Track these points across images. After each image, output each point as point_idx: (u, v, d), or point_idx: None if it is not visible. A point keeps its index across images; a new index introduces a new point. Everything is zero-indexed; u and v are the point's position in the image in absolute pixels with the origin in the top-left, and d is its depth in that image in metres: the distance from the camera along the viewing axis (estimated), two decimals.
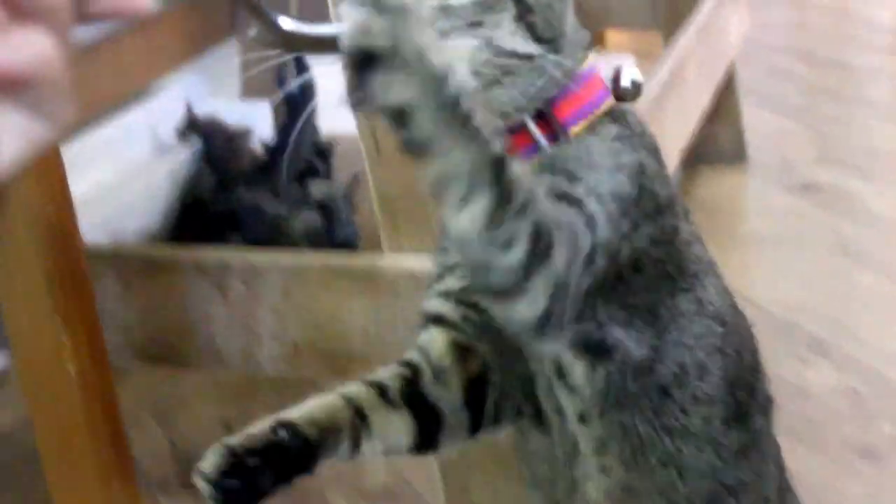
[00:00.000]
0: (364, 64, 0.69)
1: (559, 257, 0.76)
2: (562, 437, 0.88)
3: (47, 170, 1.12)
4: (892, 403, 1.56)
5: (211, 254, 1.25)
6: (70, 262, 1.15)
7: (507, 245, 0.74)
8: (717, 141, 2.30)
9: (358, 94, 0.70)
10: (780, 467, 0.97)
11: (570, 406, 0.87)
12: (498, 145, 0.73)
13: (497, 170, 0.72)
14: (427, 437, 0.88)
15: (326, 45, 0.78)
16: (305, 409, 0.83)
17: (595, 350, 0.84)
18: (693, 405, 0.88)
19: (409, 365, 0.89)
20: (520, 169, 0.75)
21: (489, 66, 0.82)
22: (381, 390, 0.87)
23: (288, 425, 0.81)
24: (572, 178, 0.82)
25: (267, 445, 0.80)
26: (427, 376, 0.88)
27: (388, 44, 0.68)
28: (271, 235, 1.80)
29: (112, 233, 1.84)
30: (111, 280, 1.24)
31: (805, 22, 3.34)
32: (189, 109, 2.16)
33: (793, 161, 2.35)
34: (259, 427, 0.81)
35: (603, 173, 0.83)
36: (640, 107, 1.43)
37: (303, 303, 1.20)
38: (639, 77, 0.87)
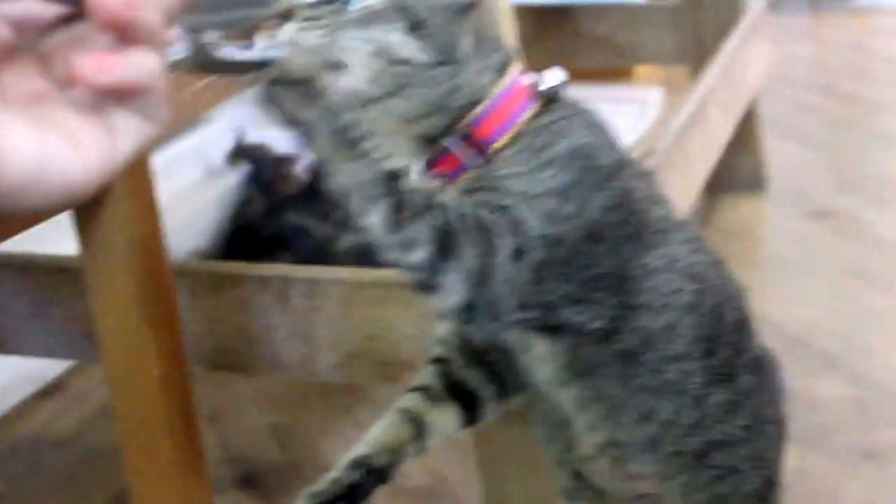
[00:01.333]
0: (280, 82, 0.82)
1: (468, 255, 0.83)
2: (551, 400, 0.95)
3: (139, 188, 1.17)
4: (894, 411, 1.60)
5: (274, 269, 1.27)
6: (157, 274, 1.19)
7: (410, 246, 0.83)
8: (738, 170, 2.34)
9: (273, 107, 0.83)
10: (781, 429, 1.01)
11: (544, 374, 0.93)
12: (392, 163, 0.82)
13: (390, 183, 0.82)
14: (472, 415, 0.98)
15: (247, 68, 0.83)
16: (373, 440, 0.94)
17: (547, 329, 0.89)
18: (665, 364, 0.91)
19: (440, 360, 0.98)
20: (419, 183, 0.84)
21: (385, 75, 0.84)
22: (427, 392, 0.97)
23: (362, 462, 0.92)
24: (499, 191, 0.86)
25: (349, 488, 0.91)
26: (456, 363, 0.98)
27: (305, 76, 0.81)
28: (319, 255, 1.84)
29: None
30: (181, 293, 1.27)
31: (825, 57, 3.38)
32: (238, 136, 2.21)
33: (811, 189, 2.39)
34: (337, 472, 0.92)
35: (530, 177, 0.87)
36: (666, 138, 1.51)
37: (358, 314, 1.23)
38: (560, 78, 0.91)
